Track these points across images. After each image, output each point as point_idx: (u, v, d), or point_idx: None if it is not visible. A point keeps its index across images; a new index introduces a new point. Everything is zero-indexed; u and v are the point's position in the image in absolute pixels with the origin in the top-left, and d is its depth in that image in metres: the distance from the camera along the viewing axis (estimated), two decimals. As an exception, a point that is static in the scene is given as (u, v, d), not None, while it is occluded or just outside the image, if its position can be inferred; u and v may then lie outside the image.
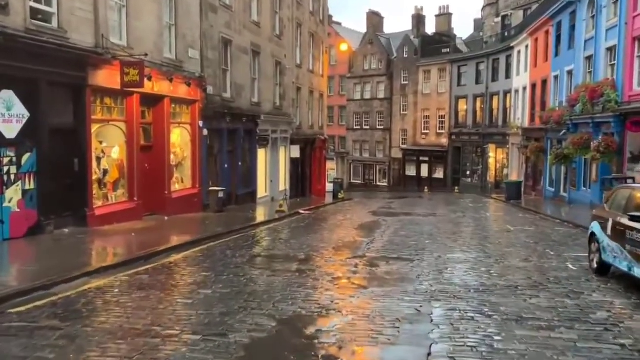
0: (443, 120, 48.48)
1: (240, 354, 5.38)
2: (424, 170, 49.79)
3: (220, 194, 19.50)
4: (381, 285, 8.28)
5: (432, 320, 6.47)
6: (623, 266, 8.13)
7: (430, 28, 55.13)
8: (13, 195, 11.60)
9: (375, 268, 9.65)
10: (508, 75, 39.50)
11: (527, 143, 32.79)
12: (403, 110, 51.85)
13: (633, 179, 17.03)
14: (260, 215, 20.14)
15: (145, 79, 14.69)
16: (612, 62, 21.49)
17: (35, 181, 12.08)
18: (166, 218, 16.57)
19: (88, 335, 5.82)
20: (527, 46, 34.69)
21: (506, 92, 39.87)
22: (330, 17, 46.99)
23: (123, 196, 15.59)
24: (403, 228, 16.15)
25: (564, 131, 25.34)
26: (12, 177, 11.59)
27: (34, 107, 11.88)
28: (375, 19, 56.85)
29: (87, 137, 13.60)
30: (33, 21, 11.77)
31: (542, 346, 5.60)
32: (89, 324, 6.22)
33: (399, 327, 6.20)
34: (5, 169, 11.43)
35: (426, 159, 49.62)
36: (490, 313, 6.79)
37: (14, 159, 11.61)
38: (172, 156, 18.07)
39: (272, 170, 26.73)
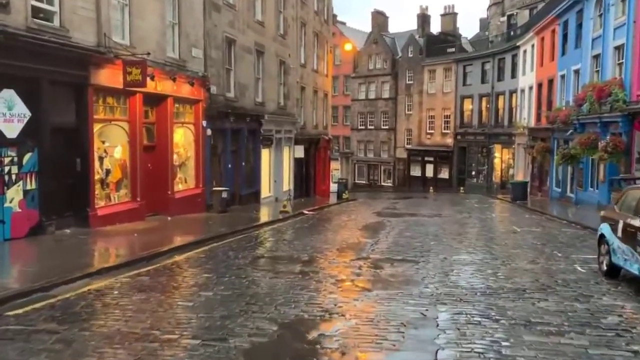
0: (448, 120, 48.22)
1: (240, 359, 5.24)
2: (429, 171, 49.54)
3: (224, 194, 19.38)
4: (385, 288, 8.11)
5: (437, 325, 6.30)
6: (634, 269, 7.94)
7: (435, 27, 54.94)
8: (14, 195, 11.50)
9: (379, 270, 9.48)
10: (514, 75, 39.21)
11: (533, 143, 32.52)
12: (408, 110, 51.60)
13: (642, 179, 16.76)
14: (264, 215, 20.02)
15: (148, 79, 14.57)
16: (620, 61, 21.23)
17: (37, 181, 11.99)
18: (169, 218, 16.46)
19: (85, 339, 5.69)
20: (533, 45, 34.41)
21: (512, 92, 39.58)
22: (334, 16, 46.84)
23: (126, 196, 15.49)
24: (408, 229, 15.97)
25: (570, 131, 25.07)
26: (14, 177, 11.50)
27: (35, 107, 11.78)
28: (380, 19, 56.64)
29: (89, 137, 13.50)
30: (34, 20, 11.68)
31: (551, 352, 5.43)
32: (87, 327, 6.09)
33: (403, 332, 6.03)
34: (7, 168, 11.34)
35: (431, 159, 49.35)
36: (497, 317, 6.62)
37: (15, 159, 11.52)
38: (175, 156, 17.96)
39: (275, 171, 26.59)
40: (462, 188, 43.79)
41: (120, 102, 15.03)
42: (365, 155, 55.72)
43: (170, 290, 7.97)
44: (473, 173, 46.12)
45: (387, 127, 53.55)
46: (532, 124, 33.80)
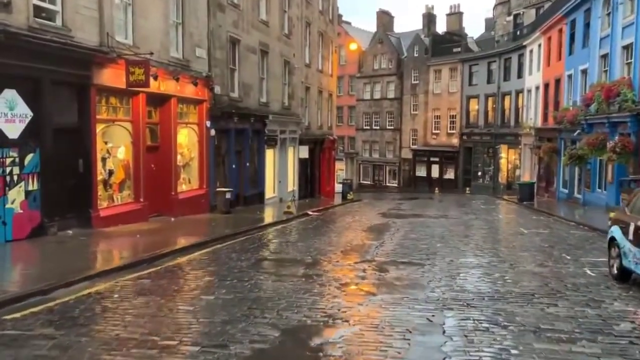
0: (454, 120, 47.94)
1: (241, 367, 5.10)
2: (435, 171, 49.27)
3: (228, 195, 19.24)
4: (390, 292, 7.93)
5: (444, 332, 6.12)
6: (646, 273, 7.73)
7: (441, 27, 54.62)
8: (16, 196, 11.41)
9: (384, 273, 9.31)
10: (520, 75, 38.92)
11: (539, 143, 32.25)
12: (413, 110, 51.36)
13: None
14: (268, 216, 19.87)
15: (151, 78, 14.48)
16: (629, 61, 20.95)
17: (39, 182, 11.89)
18: (172, 219, 16.35)
19: (82, 345, 5.54)
20: (539, 45, 34.12)
21: (518, 92, 39.28)
22: (339, 16, 46.68)
23: (129, 197, 15.39)
24: (413, 230, 15.78)
25: (578, 131, 24.80)
26: (15, 177, 11.40)
27: (37, 107, 11.68)
28: (385, 18, 56.42)
29: (91, 137, 13.39)
30: (36, 19, 11.58)
31: (563, 361, 5.25)
32: (85, 332, 5.95)
33: (409, 339, 5.85)
34: (8, 169, 11.24)
35: (437, 159, 49.08)
36: (505, 323, 6.43)
37: (17, 160, 11.42)
38: (179, 156, 17.85)
39: (280, 171, 26.45)
40: (468, 189, 43.51)
41: (123, 102, 14.92)
42: (370, 155, 55.51)
43: (171, 294, 7.82)
44: (479, 174, 45.81)
45: (392, 127, 53.32)
46: (539, 124, 33.50)
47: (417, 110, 50.97)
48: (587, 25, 25.94)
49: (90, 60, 13.03)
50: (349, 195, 31.49)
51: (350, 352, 5.45)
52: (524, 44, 37.39)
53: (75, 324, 6.24)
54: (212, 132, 19.31)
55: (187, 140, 18.61)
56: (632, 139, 19.03)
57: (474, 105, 46.11)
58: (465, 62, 46.48)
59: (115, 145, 14.84)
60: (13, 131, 11.27)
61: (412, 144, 51.27)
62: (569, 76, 28.13)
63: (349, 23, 58.89)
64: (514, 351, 5.51)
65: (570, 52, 28.24)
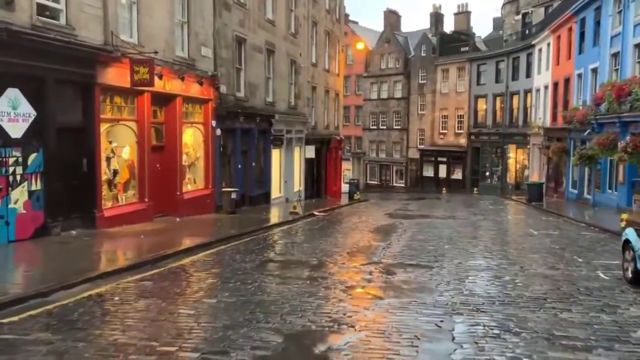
0: (462, 120, 47.57)
1: (242, 375, 4.91)
2: (442, 171, 48.91)
3: (233, 195, 19.10)
4: (398, 296, 7.72)
5: (453, 338, 5.90)
6: (662, 277, 7.47)
7: (448, 26, 54.26)
8: (19, 196, 11.30)
9: (391, 276, 9.09)
10: (529, 74, 38.52)
11: (548, 143, 31.86)
12: (420, 110, 51.02)
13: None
14: (274, 216, 19.71)
15: (156, 78, 14.34)
16: (641, 59, 20.61)
17: (42, 182, 11.78)
18: (177, 219, 16.21)
19: (78, 351, 5.37)
20: (548, 44, 33.73)
21: (527, 91, 38.88)
22: (346, 15, 46.43)
23: (133, 197, 15.26)
24: (421, 231, 15.55)
25: (588, 131, 24.45)
26: (18, 177, 11.28)
27: (40, 106, 11.57)
28: (392, 18, 56.12)
29: (96, 137, 13.27)
30: (40, 18, 11.47)
31: (578, 371, 5.02)
32: (82, 337, 5.78)
33: (417, 346, 5.64)
34: (11, 169, 11.13)
35: (444, 159, 48.72)
36: (517, 329, 6.20)
37: (20, 159, 11.30)
38: (184, 156, 17.72)
39: (286, 171, 26.28)
40: (475, 189, 43.14)
41: (128, 101, 14.80)
42: (377, 155, 55.22)
43: (173, 297, 7.65)
44: (487, 174, 45.42)
45: (399, 127, 53.00)
46: (548, 124, 33.12)
47: (425, 110, 50.63)
48: (597, 23, 25.57)
49: (95, 59, 12.90)
50: (355, 195, 31.25)
51: (356, 360, 5.25)
52: (533, 43, 36.99)
53: (73, 328, 6.09)
54: (218, 131, 19.16)
55: (192, 140, 18.48)
56: (644, 138, 18.67)
57: (482, 105, 45.73)
58: (473, 62, 46.09)
59: (119, 145, 14.72)
60: (16, 130, 11.16)
61: (420, 144, 50.94)
62: (579, 75, 27.76)
63: (355, 22, 58.63)
64: (527, 360, 5.30)
65: (580, 51, 27.86)
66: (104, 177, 13.86)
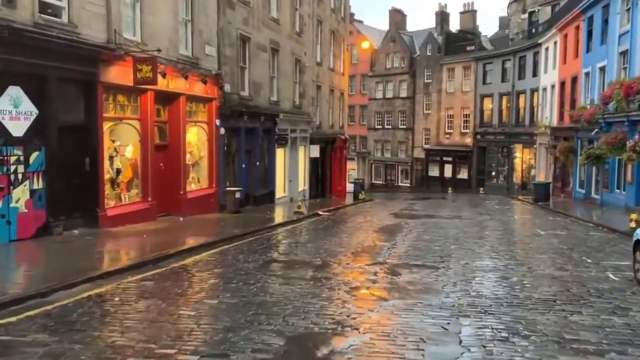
0: (467, 119, 47.28)
1: (242, 379, 4.76)
2: (448, 171, 48.64)
3: (237, 194, 18.96)
4: (403, 298, 7.55)
5: (460, 341, 5.73)
6: (675, 279, 7.27)
7: (454, 25, 54.01)
8: (20, 195, 11.20)
9: (396, 277, 8.93)
10: (535, 73, 38.21)
11: (555, 143, 31.59)
12: (426, 110, 50.77)
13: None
14: (278, 216, 19.57)
15: (160, 76, 14.24)
16: (650, 57, 20.33)
17: (44, 181, 11.68)
18: (181, 219, 16.10)
19: (75, 353, 5.24)
20: (555, 42, 33.43)
21: (533, 90, 38.58)
22: (351, 14, 46.25)
23: (137, 196, 15.16)
24: (426, 231, 15.37)
25: (596, 130, 24.18)
26: (20, 176, 11.19)
27: (42, 104, 11.47)
28: (397, 17, 55.87)
29: (98, 136, 13.17)
30: (42, 15, 11.37)
31: (590, 376, 4.85)
32: (79, 339, 5.65)
33: (423, 350, 5.48)
34: (13, 168, 11.03)
35: (450, 159, 48.45)
36: (526, 333, 6.03)
37: (22, 158, 11.20)
38: (188, 155, 17.60)
39: (291, 170, 26.13)
40: (481, 189, 42.85)
41: (131, 100, 14.70)
42: (382, 155, 55.00)
43: (174, 297, 7.51)
44: (493, 173, 45.13)
45: (404, 126, 52.77)
46: (555, 123, 32.84)
47: (430, 110, 50.38)
48: (605, 21, 25.29)
49: (97, 57, 12.80)
50: (360, 195, 31.09)
51: (360, 364, 5.10)
52: (540, 41, 36.69)
53: (71, 329, 5.96)
54: (222, 130, 19.04)
55: (196, 139, 18.36)
56: (654, 138, 18.42)
57: (487, 104, 45.44)
58: (479, 61, 45.80)
59: (123, 144, 14.62)
60: (18, 129, 11.06)
61: (425, 144, 50.68)
62: (587, 74, 27.47)
63: (361, 21, 58.44)
64: (536, 364, 5.13)
65: (588, 50, 27.57)
66: (106, 176, 13.76)
